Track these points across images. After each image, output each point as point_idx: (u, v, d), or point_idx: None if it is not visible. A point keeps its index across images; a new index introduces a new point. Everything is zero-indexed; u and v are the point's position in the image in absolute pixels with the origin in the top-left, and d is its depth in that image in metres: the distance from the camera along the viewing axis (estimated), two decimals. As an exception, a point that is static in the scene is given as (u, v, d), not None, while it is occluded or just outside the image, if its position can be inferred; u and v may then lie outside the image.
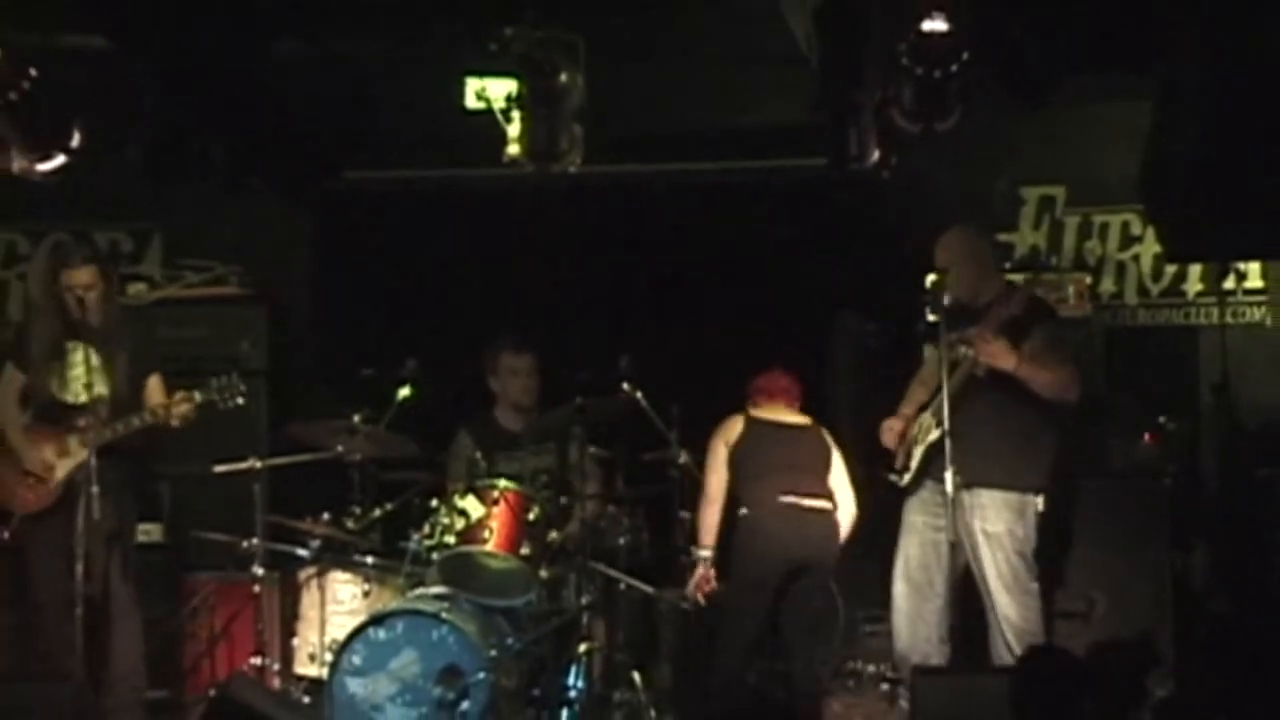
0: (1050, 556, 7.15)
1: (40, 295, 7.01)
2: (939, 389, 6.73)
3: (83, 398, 6.84)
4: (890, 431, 7.09)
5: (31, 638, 7.11)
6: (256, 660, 7.16)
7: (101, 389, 6.92)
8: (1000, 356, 6.69)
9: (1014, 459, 6.77)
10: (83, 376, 6.85)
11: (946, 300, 6.65)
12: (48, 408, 6.93)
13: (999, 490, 6.74)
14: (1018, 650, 6.69)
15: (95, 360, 6.92)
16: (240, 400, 6.97)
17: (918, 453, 6.94)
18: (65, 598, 6.71)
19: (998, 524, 6.77)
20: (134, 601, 7.03)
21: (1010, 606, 6.74)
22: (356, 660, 6.45)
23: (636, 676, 6.85)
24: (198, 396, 6.91)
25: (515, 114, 6.53)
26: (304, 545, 7.12)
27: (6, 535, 6.91)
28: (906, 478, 7.00)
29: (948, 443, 6.51)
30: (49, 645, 6.75)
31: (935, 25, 6.13)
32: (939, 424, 6.71)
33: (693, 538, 7.28)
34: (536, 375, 7.59)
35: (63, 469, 6.87)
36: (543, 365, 7.61)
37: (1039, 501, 6.87)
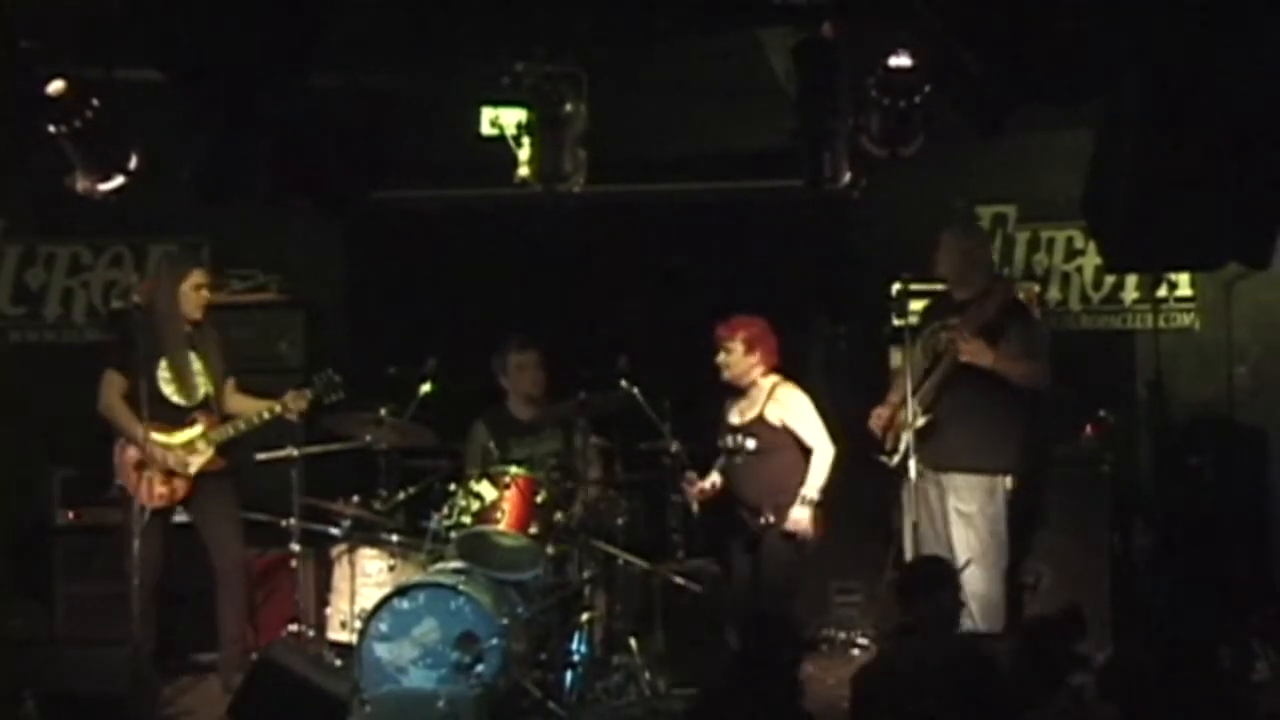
0: (1021, 535, 7.16)
1: (163, 303, 7.03)
2: (922, 379, 6.76)
3: (195, 398, 7.02)
4: (877, 419, 7.09)
5: (112, 610, 7.13)
6: (294, 627, 7.20)
7: (209, 389, 7.00)
8: (979, 354, 6.72)
9: (985, 444, 6.77)
10: (192, 378, 7.00)
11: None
12: (162, 408, 6.96)
13: (972, 474, 6.74)
14: (979, 619, 6.70)
15: (198, 364, 6.98)
16: (340, 395, 7.14)
17: (905, 437, 6.92)
18: (156, 576, 6.83)
19: (971, 504, 6.77)
20: (243, 574, 7.18)
21: (979, 581, 6.71)
22: (383, 627, 6.45)
23: (633, 642, 6.84)
24: (309, 393, 7.11)
25: (525, 140, 6.54)
26: (336, 525, 7.15)
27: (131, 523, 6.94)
28: (895, 459, 7.00)
29: (908, 434, 6.52)
30: (134, 617, 6.72)
31: (900, 61, 6.15)
32: (923, 411, 6.73)
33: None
34: (541, 368, 7.58)
35: (195, 464, 6.98)
36: (548, 362, 7.61)
37: (1008, 482, 6.87)
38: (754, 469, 7.11)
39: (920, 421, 6.80)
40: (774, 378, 7.26)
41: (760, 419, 7.17)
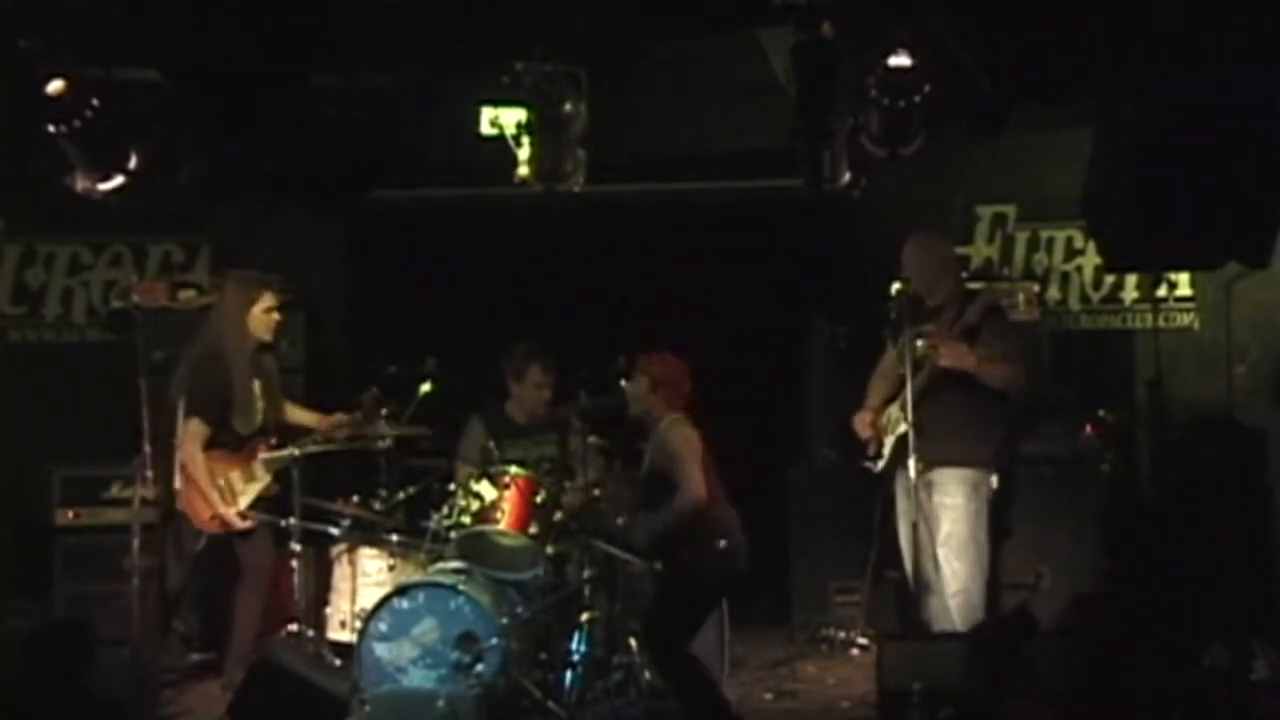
0: (998, 534, 7.16)
1: (231, 333, 7.01)
2: (902, 386, 6.75)
3: (255, 425, 7.03)
4: (862, 424, 7.09)
5: (112, 610, 7.15)
6: (294, 626, 7.15)
7: (268, 414, 7.07)
8: (961, 359, 6.69)
9: (968, 440, 6.77)
10: (255, 406, 7.01)
11: (907, 296, 6.68)
12: (229, 437, 7.00)
13: (955, 467, 6.74)
14: (955, 616, 6.69)
15: (259, 389, 7.04)
16: (385, 410, 7.12)
17: (889, 442, 6.95)
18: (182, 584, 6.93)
19: (956, 497, 6.76)
20: (268, 574, 7.18)
21: (957, 577, 6.72)
22: (383, 627, 6.44)
23: (633, 642, 6.84)
24: (359, 416, 7.12)
25: (525, 139, 6.54)
26: (336, 524, 7.14)
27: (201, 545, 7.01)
28: (880, 464, 7.01)
29: (910, 434, 6.52)
30: (134, 617, 6.78)
31: (900, 61, 6.16)
32: (906, 417, 6.73)
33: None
34: (552, 390, 7.53)
35: (251, 493, 7.03)
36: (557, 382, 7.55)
37: (993, 478, 6.87)
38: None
39: (902, 427, 6.78)
40: (670, 417, 6.63)
41: (651, 471, 6.66)
